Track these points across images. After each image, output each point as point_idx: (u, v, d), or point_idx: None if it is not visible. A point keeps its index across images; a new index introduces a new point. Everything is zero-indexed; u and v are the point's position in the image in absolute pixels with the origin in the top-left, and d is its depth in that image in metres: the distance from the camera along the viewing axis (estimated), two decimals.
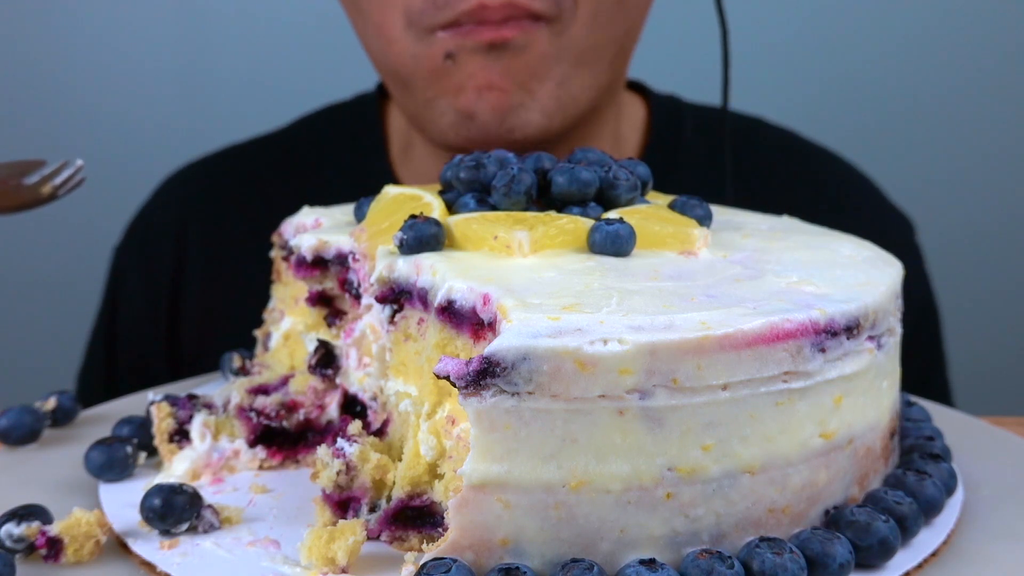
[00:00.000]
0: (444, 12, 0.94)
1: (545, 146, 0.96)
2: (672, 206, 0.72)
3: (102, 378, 1.21)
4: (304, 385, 0.73)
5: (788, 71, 1.82)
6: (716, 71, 1.10)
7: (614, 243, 0.63)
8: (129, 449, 0.69)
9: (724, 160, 1.09)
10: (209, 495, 0.66)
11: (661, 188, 0.80)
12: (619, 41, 1.03)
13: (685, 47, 1.60)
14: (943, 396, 1.20)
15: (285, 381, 0.75)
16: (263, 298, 0.84)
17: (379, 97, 1.23)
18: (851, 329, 0.58)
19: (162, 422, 0.70)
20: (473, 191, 0.69)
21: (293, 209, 0.81)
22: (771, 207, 0.89)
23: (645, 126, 1.21)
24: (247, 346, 0.87)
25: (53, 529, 0.58)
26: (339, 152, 1.21)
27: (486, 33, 0.94)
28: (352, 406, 0.71)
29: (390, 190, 0.73)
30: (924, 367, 1.20)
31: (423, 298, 0.61)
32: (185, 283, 1.19)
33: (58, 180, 0.73)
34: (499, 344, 0.51)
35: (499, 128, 0.98)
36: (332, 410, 0.72)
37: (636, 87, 1.25)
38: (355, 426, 0.63)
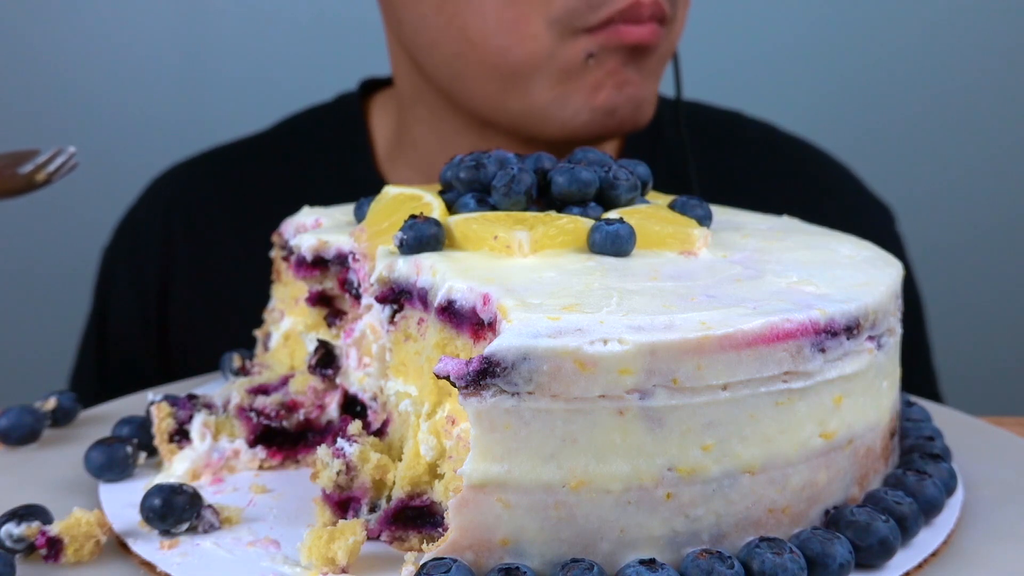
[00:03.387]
0: (598, 12, 0.96)
1: None
2: (672, 206, 0.72)
3: (94, 379, 1.21)
4: (304, 385, 0.73)
5: (782, 70, 1.82)
6: (694, 66, 1.11)
7: (614, 243, 0.63)
8: (129, 449, 0.69)
9: (684, 152, 1.12)
10: (209, 495, 0.66)
11: None
12: None
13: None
14: (928, 384, 1.21)
15: (285, 381, 0.75)
16: (251, 298, 0.84)
17: (361, 97, 1.23)
18: (851, 329, 0.58)
19: (162, 422, 0.70)
20: (473, 191, 0.69)
21: (278, 210, 0.81)
22: (751, 199, 0.89)
23: None
24: (237, 346, 0.87)
25: (53, 529, 0.58)
26: (323, 153, 1.21)
27: (634, 33, 0.96)
28: (352, 406, 0.71)
29: (390, 190, 0.73)
30: (907, 355, 1.20)
31: (423, 298, 0.61)
32: (172, 284, 1.20)
33: (52, 167, 0.74)
34: (499, 344, 0.51)
35: (632, 121, 1.01)
36: (332, 410, 0.72)
37: None
38: (355, 426, 0.63)
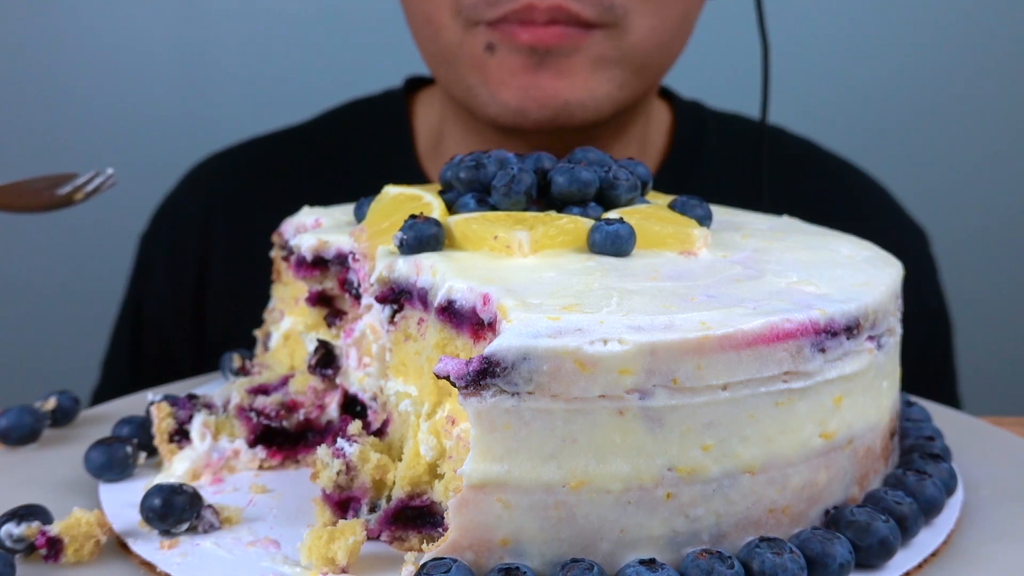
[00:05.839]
0: (493, 9, 0.97)
1: (590, 133, 1.02)
2: (672, 206, 0.72)
3: (127, 365, 1.22)
4: (304, 385, 0.73)
5: (805, 80, 1.82)
6: (741, 79, 1.10)
7: (614, 243, 0.63)
8: (129, 449, 0.69)
9: (759, 173, 1.11)
10: (209, 495, 0.66)
11: (683, 192, 0.79)
12: (676, 53, 1.07)
13: (710, 54, 1.60)
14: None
15: (285, 381, 0.75)
16: None
17: (406, 93, 1.24)
18: (851, 329, 0.58)
19: (162, 422, 0.70)
20: (473, 191, 0.69)
21: (318, 202, 0.82)
22: (788, 214, 0.89)
23: (670, 131, 1.23)
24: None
25: (53, 529, 0.58)
26: (365, 146, 1.22)
27: (526, 34, 0.96)
28: (352, 406, 0.71)
29: (390, 190, 0.73)
30: (934, 378, 1.20)
31: (423, 298, 0.61)
32: (210, 272, 1.20)
33: (90, 188, 0.75)
34: (499, 344, 0.51)
35: (553, 122, 1.01)
36: (332, 410, 0.72)
37: (662, 92, 1.26)
38: (355, 426, 0.63)
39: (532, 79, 0.98)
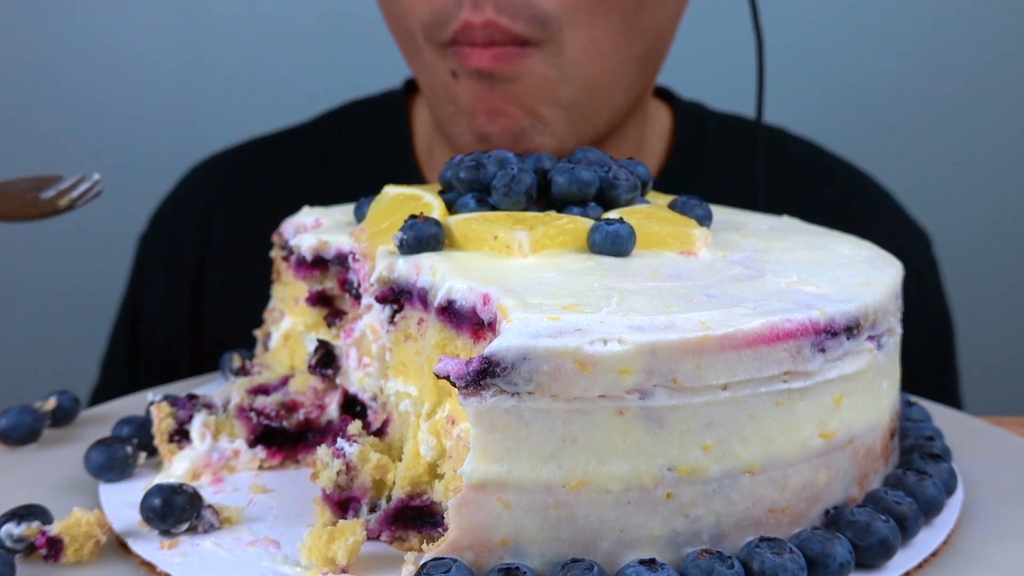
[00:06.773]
0: (444, 29, 0.96)
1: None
2: (672, 206, 0.72)
3: (125, 367, 1.22)
4: (304, 385, 0.73)
5: (806, 81, 1.82)
6: (739, 79, 1.09)
7: (614, 243, 0.63)
8: (129, 449, 0.69)
9: (755, 173, 1.09)
10: (209, 495, 0.66)
11: (685, 194, 0.79)
12: (639, 60, 1.02)
13: (708, 54, 1.60)
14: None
15: (285, 381, 0.75)
16: None
17: (405, 94, 1.24)
18: (851, 329, 0.58)
19: (162, 422, 0.71)
20: (473, 191, 0.69)
21: (317, 203, 0.83)
22: (789, 216, 0.89)
23: (670, 133, 1.22)
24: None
25: (53, 529, 0.58)
26: (364, 147, 1.22)
27: (473, 59, 0.95)
28: (352, 406, 0.71)
29: (390, 190, 0.73)
30: (936, 380, 1.20)
31: (423, 298, 0.61)
32: (208, 273, 1.20)
33: (75, 193, 0.74)
34: (499, 344, 0.51)
35: (514, 150, 0.99)
36: (332, 410, 0.72)
37: (661, 93, 1.25)
38: (355, 426, 0.63)
39: (494, 105, 0.98)
